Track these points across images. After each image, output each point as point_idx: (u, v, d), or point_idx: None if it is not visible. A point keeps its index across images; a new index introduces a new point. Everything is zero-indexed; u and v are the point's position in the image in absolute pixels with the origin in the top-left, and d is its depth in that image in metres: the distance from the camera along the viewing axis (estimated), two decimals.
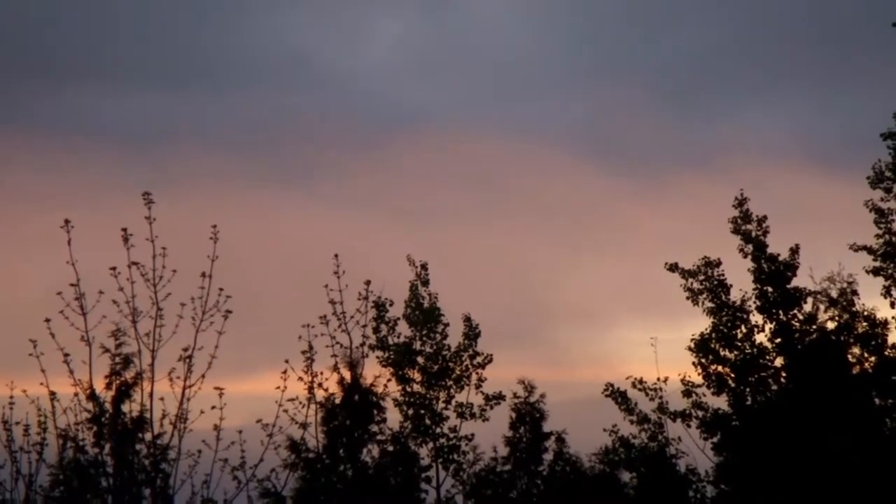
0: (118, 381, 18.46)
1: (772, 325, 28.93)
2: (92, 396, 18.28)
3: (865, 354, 28.71)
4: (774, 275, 29.27)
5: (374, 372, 23.27)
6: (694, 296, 29.67)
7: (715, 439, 28.35)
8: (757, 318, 29.15)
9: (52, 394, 18.01)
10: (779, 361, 28.63)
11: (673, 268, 30.02)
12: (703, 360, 28.96)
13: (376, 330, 29.76)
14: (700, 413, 28.70)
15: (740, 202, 30.10)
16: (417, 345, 30.11)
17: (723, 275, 29.68)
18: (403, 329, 30.35)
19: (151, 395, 18.49)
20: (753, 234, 29.72)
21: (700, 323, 29.45)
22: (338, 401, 22.17)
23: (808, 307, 29.24)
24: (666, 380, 29.16)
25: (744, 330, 29.02)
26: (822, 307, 29.41)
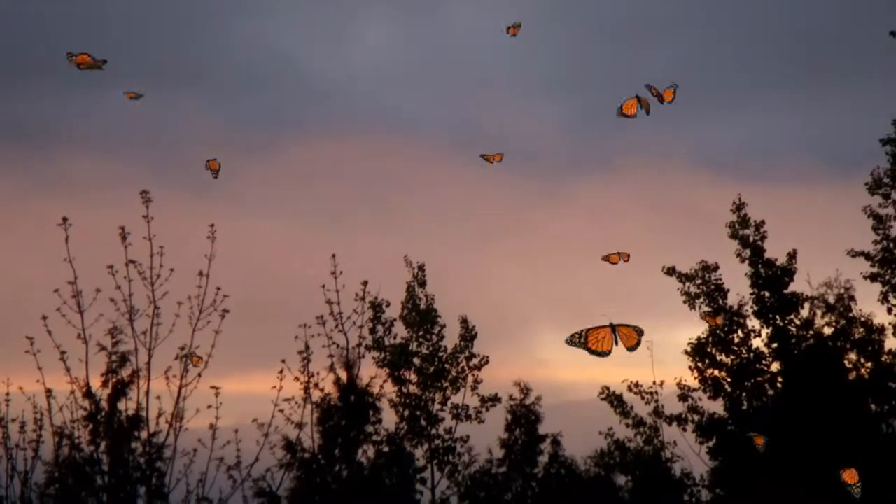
0: (114, 379, 18.49)
1: (769, 330, 28.88)
2: (88, 394, 18.31)
3: (862, 360, 28.68)
4: (772, 279, 29.22)
5: (370, 373, 23.28)
6: (691, 300, 29.61)
7: (710, 443, 28.29)
8: (754, 322, 29.10)
9: (49, 391, 18.05)
10: (775, 366, 28.58)
11: (670, 272, 29.94)
12: (699, 364, 28.91)
13: (373, 331, 29.71)
14: (696, 417, 28.65)
15: (738, 206, 30.02)
16: (414, 346, 30.07)
17: (720, 279, 29.63)
18: (400, 330, 30.33)
19: (147, 393, 18.53)
20: (751, 238, 29.66)
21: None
22: (334, 401, 22.14)
23: (805, 312, 29.19)
24: (662, 384, 29.10)
25: (740, 334, 28.97)
26: (819, 312, 29.37)
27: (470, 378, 30.03)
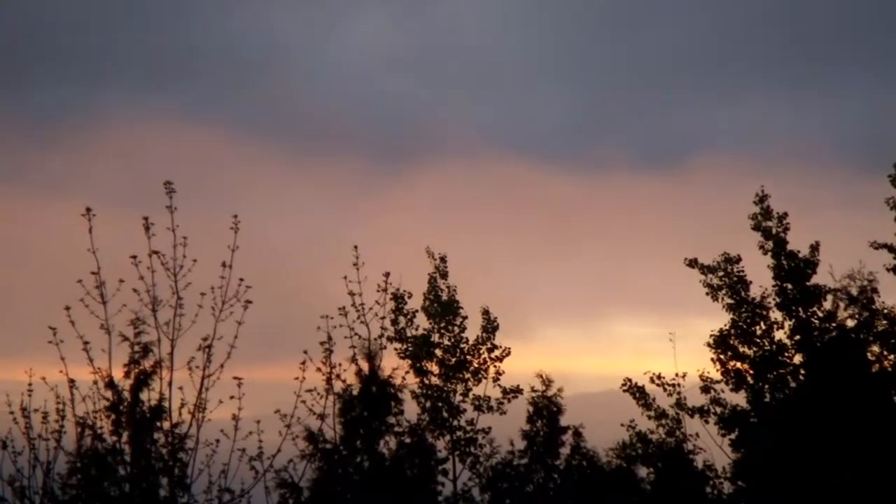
0: (137, 370, 18.55)
1: (791, 322, 28.76)
2: (110, 384, 18.37)
3: (885, 352, 28.49)
4: (794, 271, 29.10)
5: (392, 364, 23.24)
6: (713, 291, 29.55)
7: (733, 436, 28.22)
8: (776, 314, 29.00)
9: (71, 381, 18.11)
10: (798, 358, 28.47)
11: (692, 263, 29.92)
12: (721, 357, 28.86)
13: (395, 322, 29.73)
14: (718, 409, 28.59)
15: (761, 199, 29.92)
16: (435, 337, 30.06)
17: (742, 271, 29.55)
18: (422, 321, 30.32)
19: (170, 383, 18.56)
20: (774, 230, 29.54)
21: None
22: (355, 392, 22.16)
23: (827, 304, 29.03)
24: (684, 375, 29.05)
25: (763, 326, 28.89)
26: (841, 305, 29.18)
27: (492, 369, 30.02)
